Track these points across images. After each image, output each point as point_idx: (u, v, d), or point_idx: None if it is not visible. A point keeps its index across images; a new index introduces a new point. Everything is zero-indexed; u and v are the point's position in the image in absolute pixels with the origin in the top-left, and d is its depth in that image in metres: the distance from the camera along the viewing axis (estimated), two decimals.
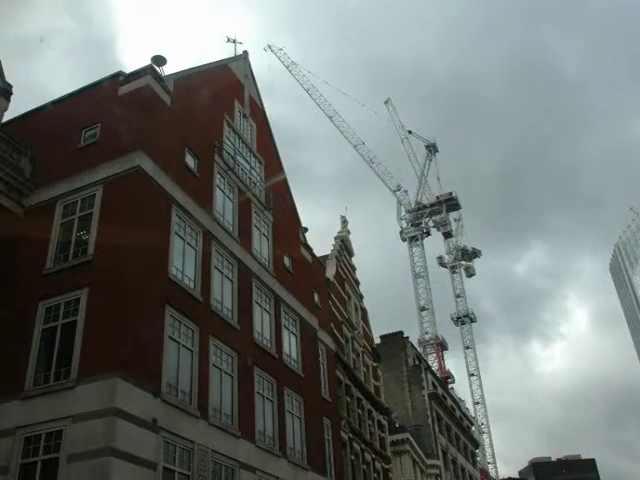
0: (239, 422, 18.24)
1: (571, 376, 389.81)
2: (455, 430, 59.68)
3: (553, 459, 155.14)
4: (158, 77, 19.09)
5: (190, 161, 19.89)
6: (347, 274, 36.02)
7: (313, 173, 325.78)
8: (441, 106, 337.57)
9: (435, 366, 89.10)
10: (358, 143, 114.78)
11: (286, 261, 25.34)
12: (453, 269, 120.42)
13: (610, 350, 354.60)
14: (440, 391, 59.23)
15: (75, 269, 16.10)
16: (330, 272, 32.62)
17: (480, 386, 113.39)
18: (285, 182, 27.96)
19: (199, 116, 21.37)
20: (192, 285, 18.07)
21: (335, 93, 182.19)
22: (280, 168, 27.57)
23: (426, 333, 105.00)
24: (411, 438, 41.15)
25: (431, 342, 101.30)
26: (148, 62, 19.11)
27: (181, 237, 18.28)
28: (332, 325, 29.75)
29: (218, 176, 21.57)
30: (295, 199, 28.48)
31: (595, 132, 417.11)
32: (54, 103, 20.34)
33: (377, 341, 45.85)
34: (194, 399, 16.47)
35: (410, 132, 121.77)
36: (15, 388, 14.65)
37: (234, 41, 27.10)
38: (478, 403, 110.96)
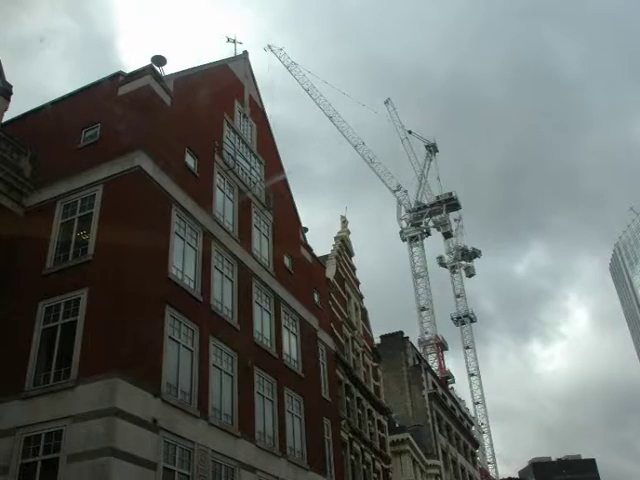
0: (239, 422, 18.24)
1: (571, 376, 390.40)
2: (455, 430, 59.65)
3: (553, 459, 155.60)
4: (158, 77, 19.10)
5: (190, 161, 19.89)
6: (347, 274, 36.01)
7: (313, 173, 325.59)
8: (441, 106, 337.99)
9: (435, 366, 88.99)
10: (358, 143, 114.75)
11: (286, 261, 25.33)
12: (453, 269, 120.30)
13: (610, 350, 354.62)
14: (440, 391, 59.20)
15: (75, 269, 16.11)
16: (330, 272, 32.62)
17: (480, 386, 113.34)
18: (285, 182, 27.97)
19: (199, 116, 21.37)
20: (192, 285, 18.07)
21: (335, 93, 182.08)
22: (280, 168, 27.58)
23: (426, 333, 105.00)
24: (411, 438, 41.13)
25: (431, 342, 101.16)
26: (148, 62, 19.18)
27: (181, 237, 18.28)
28: (332, 325, 29.76)
29: (218, 176, 21.57)
30: (295, 199, 28.58)
31: (595, 132, 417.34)
32: (54, 103, 20.36)
33: (377, 341, 45.88)
34: (194, 399, 16.47)
35: (410, 132, 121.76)
36: (15, 388, 14.65)
37: (234, 41, 27.15)
38: (478, 403, 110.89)
